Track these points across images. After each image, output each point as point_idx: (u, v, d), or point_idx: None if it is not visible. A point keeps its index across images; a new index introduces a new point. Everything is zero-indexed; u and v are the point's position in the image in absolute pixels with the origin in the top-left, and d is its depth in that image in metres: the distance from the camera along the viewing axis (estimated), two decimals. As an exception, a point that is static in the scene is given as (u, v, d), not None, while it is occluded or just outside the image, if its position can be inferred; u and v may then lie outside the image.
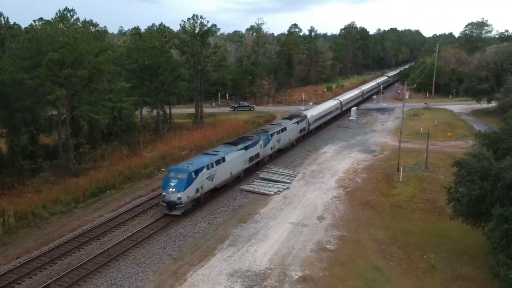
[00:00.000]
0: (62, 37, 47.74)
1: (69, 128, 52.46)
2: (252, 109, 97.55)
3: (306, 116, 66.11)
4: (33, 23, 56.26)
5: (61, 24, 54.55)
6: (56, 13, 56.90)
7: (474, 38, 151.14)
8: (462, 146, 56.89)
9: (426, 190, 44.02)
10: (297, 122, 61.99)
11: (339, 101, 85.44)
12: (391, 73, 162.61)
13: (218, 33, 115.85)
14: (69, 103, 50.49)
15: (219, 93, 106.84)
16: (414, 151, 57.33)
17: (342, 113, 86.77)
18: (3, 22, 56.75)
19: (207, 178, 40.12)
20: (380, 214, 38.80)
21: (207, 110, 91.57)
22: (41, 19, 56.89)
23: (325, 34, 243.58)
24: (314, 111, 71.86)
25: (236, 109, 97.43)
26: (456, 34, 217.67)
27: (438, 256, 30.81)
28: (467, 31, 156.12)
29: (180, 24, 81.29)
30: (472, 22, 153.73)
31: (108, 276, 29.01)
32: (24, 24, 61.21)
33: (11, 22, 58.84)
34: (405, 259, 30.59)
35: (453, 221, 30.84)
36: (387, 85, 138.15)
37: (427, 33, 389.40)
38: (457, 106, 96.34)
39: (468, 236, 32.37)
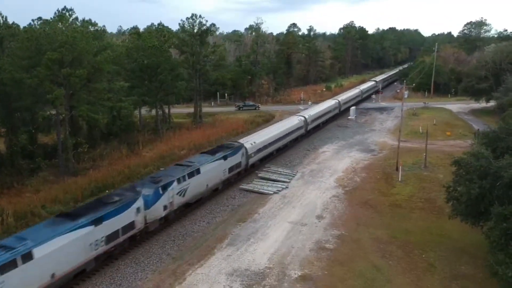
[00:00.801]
0: (61, 37, 47.78)
1: (68, 128, 52.36)
2: (257, 108, 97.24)
3: (242, 146, 47.80)
4: (32, 22, 56.38)
5: (60, 24, 54.60)
6: (55, 13, 56.96)
7: (473, 37, 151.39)
8: (461, 145, 56.91)
9: (425, 189, 44.06)
10: (224, 158, 43.68)
11: (302, 118, 66.05)
12: (381, 77, 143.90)
13: (217, 33, 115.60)
14: (68, 102, 50.44)
15: (218, 93, 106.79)
16: (413, 150, 57.32)
17: (307, 133, 68.32)
18: (1, 21, 56.67)
19: None
20: (379, 213, 38.82)
21: (206, 109, 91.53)
22: (40, 18, 56.95)
23: (324, 34, 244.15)
24: (258, 137, 53.23)
25: (241, 108, 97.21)
26: (455, 33, 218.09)
27: (437, 255, 30.86)
28: (466, 31, 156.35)
29: (179, 24, 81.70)
30: (471, 22, 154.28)
31: (107, 275, 29.00)
32: (23, 23, 61.07)
33: (10, 22, 58.76)
34: (405, 258, 30.62)
35: (452, 220, 30.94)
36: (373, 93, 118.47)
37: (426, 32, 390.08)
38: (456, 106, 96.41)
39: (467, 235, 32.45)
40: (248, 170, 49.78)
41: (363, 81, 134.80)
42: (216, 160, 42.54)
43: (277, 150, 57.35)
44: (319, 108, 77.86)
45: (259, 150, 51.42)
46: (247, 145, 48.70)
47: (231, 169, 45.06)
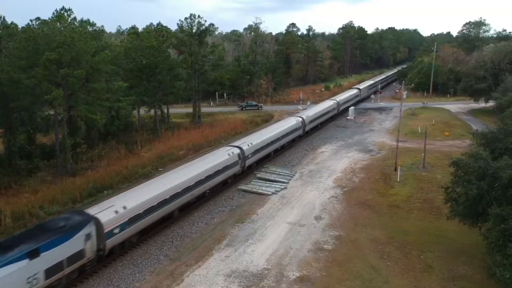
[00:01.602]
0: (59, 37, 47.73)
1: (66, 128, 52.34)
2: (260, 108, 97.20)
3: (88, 221, 28.42)
4: (30, 22, 56.32)
5: (58, 24, 54.49)
6: (53, 13, 56.90)
7: (472, 37, 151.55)
8: (459, 146, 56.90)
9: (424, 189, 44.02)
10: (31, 254, 24.31)
11: (237, 151, 47.07)
12: (367, 83, 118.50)
13: (216, 33, 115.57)
14: (67, 102, 50.37)
15: (217, 93, 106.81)
16: (412, 150, 57.32)
17: (246, 170, 49.63)
18: (-1, 21, 56.67)
19: None
20: (378, 213, 38.79)
21: (205, 109, 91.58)
22: (38, 18, 56.93)
23: (323, 33, 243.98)
24: (141, 194, 33.87)
25: (244, 108, 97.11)
26: (454, 33, 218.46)
27: (435, 256, 30.82)
28: (465, 31, 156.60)
29: (178, 24, 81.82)
30: (470, 22, 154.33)
31: (105, 277, 28.97)
32: (21, 23, 60.95)
33: (8, 22, 58.67)
34: (402, 259, 30.59)
35: (451, 221, 30.93)
36: (353, 104, 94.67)
37: (425, 32, 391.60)
38: (455, 106, 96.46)
39: (465, 236, 32.38)
40: (107, 258, 30.69)
41: (362, 81, 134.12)
42: (9, 262, 23.11)
43: (182, 208, 38.52)
44: (268, 132, 56.74)
45: (137, 218, 32.11)
46: (106, 216, 29.53)
47: (54, 270, 25.65)
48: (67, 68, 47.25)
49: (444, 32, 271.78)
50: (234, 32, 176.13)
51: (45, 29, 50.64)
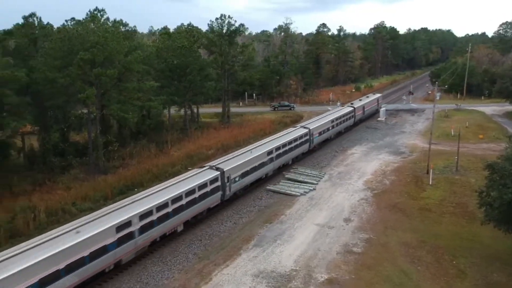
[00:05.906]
0: (92, 37, 48.77)
1: (99, 126, 53.35)
2: (292, 109, 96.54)
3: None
4: (65, 23, 57.62)
5: (92, 24, 55.58)
6: (87, 13, 58.03)
7: (509, 37, 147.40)
8: (494, 149, 55.42)
9: (457, 193, 43.00)
10: None
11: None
12: (312, 124, 60.77)
13: (246, 33, 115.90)
14: (99, 101, 51.37)
15: (246, 93, 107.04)
16: (445, 153, 56.07)
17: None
18: (36, 22, 58.13)
19: None
20: (409, 217, 38.07)
21: (234, 109, 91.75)
22: (73, 19, 58.25)
23: (354, 34, 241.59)
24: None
25: (276, 109, 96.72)
26: (490, 34, 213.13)
27: (468, 262, 30.05)
28: (501, 31, 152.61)
29: (208, 24, 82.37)
30: (507, 22, 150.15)
31: (134, 274, 29.32)
32: (56, 23, 62.51)
33: (44, 22, 60.21)
34: (434, 264, 29.94)
35: (485, 226, 30.16)
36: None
37: (459, 33, 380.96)
38: (490, 108, 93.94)
39: (500, 242, 31.53)
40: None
41: (394, 82, 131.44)
42: None
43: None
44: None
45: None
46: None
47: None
48: (100, 67, 48.22)
49: (479, 33, 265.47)
50: (264, 33, 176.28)
51: (79, 29, 51.75)
